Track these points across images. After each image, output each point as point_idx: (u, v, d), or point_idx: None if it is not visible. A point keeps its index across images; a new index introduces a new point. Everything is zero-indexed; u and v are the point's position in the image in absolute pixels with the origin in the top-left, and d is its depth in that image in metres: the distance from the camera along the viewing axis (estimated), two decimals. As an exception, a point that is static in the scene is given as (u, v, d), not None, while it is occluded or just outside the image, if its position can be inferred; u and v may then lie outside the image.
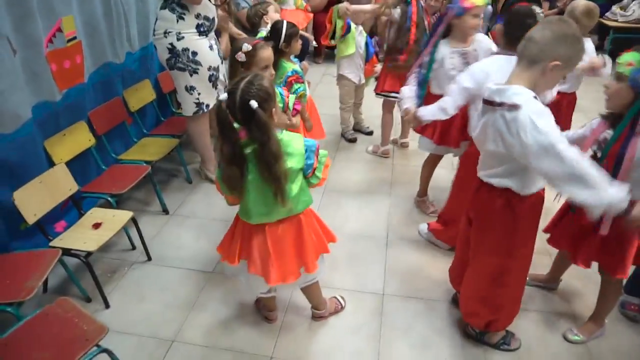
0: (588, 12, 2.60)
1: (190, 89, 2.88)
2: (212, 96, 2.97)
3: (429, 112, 2.15)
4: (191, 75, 2.83)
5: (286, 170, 1.58)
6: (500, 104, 1.48)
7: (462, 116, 2.37)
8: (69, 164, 2.48)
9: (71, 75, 2.56)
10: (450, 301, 2.25)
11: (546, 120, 1.40)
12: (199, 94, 2.90)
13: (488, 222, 1.74)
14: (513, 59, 2.01)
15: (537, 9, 2.22)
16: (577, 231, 1.87)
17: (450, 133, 2.54)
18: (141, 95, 3.28)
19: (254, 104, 1.47)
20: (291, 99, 2.28)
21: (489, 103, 1.55)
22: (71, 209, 2.56)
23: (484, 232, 1.78)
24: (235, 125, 1.57)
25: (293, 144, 1.65)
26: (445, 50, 2.42)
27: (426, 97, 2.58)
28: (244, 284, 1.97)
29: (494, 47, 2.44)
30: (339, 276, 2.42)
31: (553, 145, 1.37)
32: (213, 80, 2.93)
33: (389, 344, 2.05)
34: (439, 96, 2.39)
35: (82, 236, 2.25)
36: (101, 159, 2.84)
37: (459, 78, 2.07)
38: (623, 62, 1.61)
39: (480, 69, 2.01)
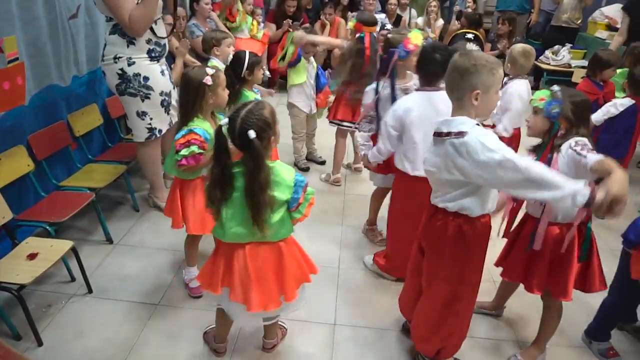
0: (524, 53, 2.83)
1: (142, 115, 2.82)
2: (164, 121, 2.92)
3: (374, 157, 2.42)
4: (143, 101, 2.78)
5: (271, 199, 1.60)
6: (448, 134, 1.59)
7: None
8: (3, 190, 2.33)
9: (11, 97, 2.44)
10: (401, 330, 2.27)
11: (493, 139, 1.52)
12: (151, 119, 2.84)
13: (440, 249, 1.79)
14: (428, 94, 2.17)
15: (473, 46, 2.40)
16: (526, 261, 1.96)
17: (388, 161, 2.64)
18: (87, 119, 3.17)
19: (252, 134, 1.51)
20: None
21: (438, 135, 1.65)
22: (4, 239, 2.39)
23: (437, 259, 1.83)
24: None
25: (283, 174, 1.66)
26: (388, 90, 2.51)
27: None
28: (227, 312, 1.89)
29: None
30: (290, 307, 2.39)
31: (506, 158, 1.46)
32: (165, 105, 2.88)
33: (341, 376, 2.03)
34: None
35: (15, 268, 2.09)
36: (40, 185, 2.69)
37: (385, 119, 2.26)
38: (536, 98, 1.87)
39: (401, 105, 2.22)
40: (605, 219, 1.41)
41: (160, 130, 2.90)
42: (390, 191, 2.65)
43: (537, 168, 1.45)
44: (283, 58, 3.43)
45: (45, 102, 2.77)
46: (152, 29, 2.70)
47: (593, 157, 1.59)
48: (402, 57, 2.38)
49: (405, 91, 2.53)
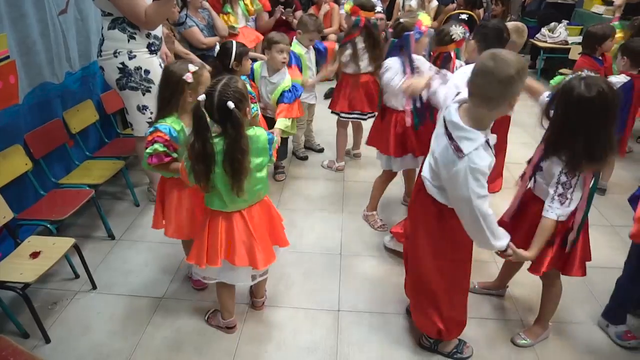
0: (516, 29, 2.81)
1: (142, 109, 2.80)
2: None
3: (440, 94, 2.04)
4: (144, 94, 2.76)
5: (248, 166, 1.71)
6: (451, 138, 1.56)
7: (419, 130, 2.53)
8: (2, 190, 2.33)
9: (4, 96, 2.43)
10: (404, 313, 2.28)
11: (478, 181, 1.53)
12: (151, 113, 2.82)
13: (425, 224, 1.83)
14: None
15: (459, 28, 2.38)
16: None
17: (408, 142, 2.65)
18: (83, 116, 3.15)
19: (231, 104, 1.61)
20: (254, 106, 2.38)
21: (444, 124, 1.62)
22: (6, 238, 2.40)
23: (421, 234, 1.85)
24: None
25: (261, 140, 1.81)
26: (398, 67, 2.52)
27: (381, 110, 2.68)
28: (228, 281, 2.00)
29: (427, 65, 2.61)
30: (294, 294, 2.41)
31: (472, 204, 1.55)
32: None
33: (347, 361, 2.05)
34: (392, 109, 2.60)
35: (18, 267, 2.10)
36: (39, 183, 2.69)
37: (453, 80, 2.09)
38: (553, 85, 1.75)
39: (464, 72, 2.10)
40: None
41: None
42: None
43: (487, 223, 1.59)
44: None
45: (39, 100, 2.75)
46: None
47: (553, 213, 1.70)
48: (417, 38, 2.44)
49: (416, 70, 2.53)
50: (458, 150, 1.53)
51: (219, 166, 1.72)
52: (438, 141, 1.67)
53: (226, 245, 1.88)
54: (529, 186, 1.91)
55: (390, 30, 2.70)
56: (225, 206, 1.84)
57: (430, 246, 1.82)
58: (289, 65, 3.24)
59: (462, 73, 2.10)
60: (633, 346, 2.09)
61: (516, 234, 1.92)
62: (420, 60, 2.55)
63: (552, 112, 1.68)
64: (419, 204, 1.83)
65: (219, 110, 1.64)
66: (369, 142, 2.91)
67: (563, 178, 1.67)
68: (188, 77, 1.95)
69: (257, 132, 1.80)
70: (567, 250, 1.83)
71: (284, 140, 3.35)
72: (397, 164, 2.77)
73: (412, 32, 2.42)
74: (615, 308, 2.15)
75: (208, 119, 1.66)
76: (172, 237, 2.16)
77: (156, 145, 1.94)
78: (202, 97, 1.64)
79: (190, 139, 1.70)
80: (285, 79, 2.97)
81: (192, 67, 1.97)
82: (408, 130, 2.61)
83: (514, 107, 1.53)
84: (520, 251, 1.75)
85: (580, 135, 1.58)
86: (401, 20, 2.54)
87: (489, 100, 1.48)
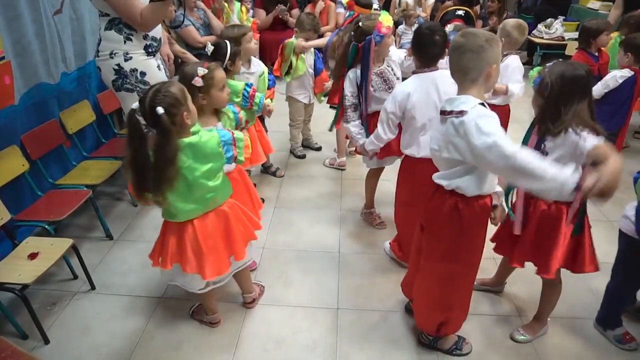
0: (517, 26, 2.80)
1: None
2: None
3: (372, 145, 2.42)
4: (140, 96, 2.74)
5: (173, 177, 1.65)
6: (450, 112, 1.59)
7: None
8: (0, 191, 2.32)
9: (0, 97, 2.42)
10: (404, 310, 2.29)
11: (489, 122, 1.50)
12: None
13: (438, 228, 1.80)
14: (425, 75, 2.15)
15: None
16: (513, 235, 1.97)
17: (391, 146, 2.62)
18: (80, 116, 3.14)
19: (159, 110, 1.57)
20: (258, 96, 2.52)
21: (442, 113, 1.65)
22: (3, 240, 2.39)
23: (434, 238, 1.84)
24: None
25: (209, 145, 1.74)
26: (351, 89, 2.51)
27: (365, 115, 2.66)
28: (181, 285, 2.02)
29: (401, 53, 2.65)
30: (293, 292, 2.41)
31: (496, 143, 1.45)
32: None
33: (346, 359, 2.05)
34: (372, 114, 2.58)
35: (16, 268, 2.09)
36: (36, 184, 2.68)
37: (385, 105, 2.23)
38: (531, 77, 1.84)
39: (401, 91, 2.18)
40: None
41: None
42: (384, 171, 2.68)
43: (524, 157, 1.42)
44: (288, 72, 3.39)
45: (35, 100, 2.74)
46: None
47: (591, 141, 1.58)
48: (378, 42, 2.37)
49: (381, 75, 2.54)
50: (460, 113, 1.54)
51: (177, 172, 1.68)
52: (440, 129, 1.67)
53: (178, 251, 1.86)
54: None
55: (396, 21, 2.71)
56: (175, 216, 1.81)
57: (443, 248, 1.81)
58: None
59: (390, 98, 2.22)
60: (633, 348, 2.08)
61: (522, 240, 1.93)
62: (393, 61, 2.58)
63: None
64: (430, 208, 1.81)
65: (149, 116, 1.58)
66: (356, 151, 2.90)
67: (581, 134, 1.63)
68: (197, 81, 1.93)
69: (204, 138, 1.72)
70: (572, 234, 1.84)
71: None
72: (373, 161, 2.75)
73: (371, 37, 2.35)
74: (609, 314, 2.14)
75: (144, 127, 1.60)
76: None
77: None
78: (135, 105, 1.61)
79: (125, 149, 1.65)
80: (261, 64, 3.02)
81: (200, 71, 1.94)
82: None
83: (495, 80, 1.62)
84: (602, 170, 1.39)
85: (577, 98, 1.69)
86: (360, 24, 2.44)
87: (467, 71, 1.58)
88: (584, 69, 1.72)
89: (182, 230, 1.84)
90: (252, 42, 2.90)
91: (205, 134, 1.75)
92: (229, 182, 1.92)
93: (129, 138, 1.63)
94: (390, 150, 2.60)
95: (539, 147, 1.76)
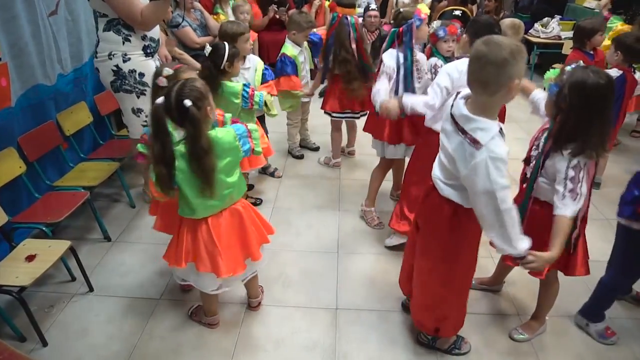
0: (513, 26, 2.80)
1: (137, 111, 2.78)
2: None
3: (415, 103, 2.21)
4: (138, 97, 2.73)
5: (214, 164, 1.69)
6: (464, 132, 1.53)
7: (411, 117, 2.52)
8: (-4, 193, 2.32)
9: (-3, 99, 2.41)
10: (402, 310, 2.29)
11: (499, 171, 1.48)
12: (146, 115, 2.79)
13: (436, 228, 1.80)
14: None
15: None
16: None
17: (403, 131, 2.66)
18: (77, 118, 3.13)
19: (187, 102, 1.59)
20: (257, 95, 2.56)
21: (454, 122, 1.59)
22: (0, 242, 2.38)
23: (431, 237, 1.84)
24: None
25: (226, 140, 1.75)
26: (402, 60, 2.50)
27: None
28: (194, 284, 2.01)
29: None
30: (292, 293, 2.41)
31: (495, 196, 1.48)
32: None
33: (345, 359, 2.05)
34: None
35: (14, 270, 2.09)
36: (34, 186, 2.67)
37: (437, 80, 2.18)
38: (547, 79, 1.78)
39: (456, 69, 2.14)
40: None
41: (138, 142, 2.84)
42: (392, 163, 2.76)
43: (510, 218, 1.53)
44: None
45: (32, 102, 2.73)
46: None
47: (567, 210, 1.65)
48: (417, 26, 2.43)
49: (417, 63, 2.53)
50: (474, 142, 1.49)
51: (183, 171, 1.70)
52: (450, 139, 1.63)
53: (192, 250, 1.87)
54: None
55: (390, 22, 2.72)
56: (194, 212, 1.81)
57: (440, 249, 1.80)
58: (288, 75, 3.24)
59: (444, 73, 2.16)
60: (614, 342, 2.10)
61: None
62: (421, 58, 2.55)
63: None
64: (429, 208, 1.81)
65: (177, 110, 1.60)
66: (365, 128, 2.93)
67: (571, 173, 1.65)
68: (160, 81, 1.92)
69: (219, 134, 1.74)
70: (571, 251, 1.84)
71: None
72: (390, 151, 2.78)
73: (412, 20, 2.42)
74: (595, 306, 2.14)
75: (168, 122, 1.64)
76: (159, 230, 2.21)
77: (138, 146, 1.96)
78: (160, 100, 1.62)
79: (151, 142, 1.69)
80: (257, 59, 3.03)
81: (165, 71, 1.93)
82: (403, 120, 2.62)
83: (515, 94, 1.50)
84: (541, 254, 1.63)
85: (597, 120, 1.62)
86: (401, 9, 2.58)
87: (486, 85, 1.46)
88: (604, 77, 1.62)
89: (196, 228, 1.85)
90: (249, 43, 2.90)
91: (221, 130, 1.78)
92: (244, 179, 1.93)
93: (154, 133, 1.66)
94: (401, 137, 2.67)
95: (546, 158, 1.74)
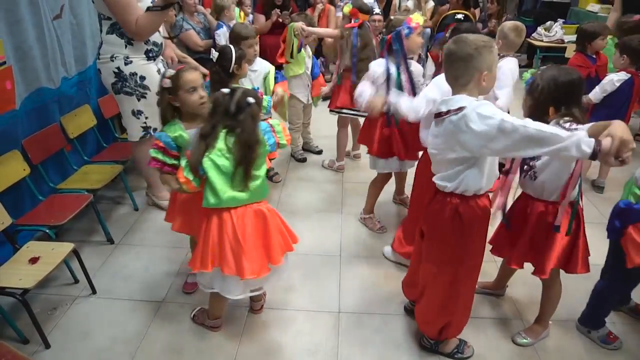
0: (515, 28, 2.79)
1: (137, 113, 2.80)
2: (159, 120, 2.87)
3: (400, 103, 2.17)
4: (139, 100, 2.75)
5: (260, 155, 1.84)
6: (447, 112, 1.60)
7: (400, 132, 2.55)
8: (1, 196, 2.33)
9: (0, 102, 2.42)
10: (405, 314, 2.29)
11: (489, 108, 1.53)
12: (146, 118, 2.82)
13: (439, 232, 1.81)
14: None
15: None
16: (510, 237, 2.00)
17: (392, 144, 2.64)
18: (81, 121, 3.15)
19: (251, 99, 1.79)
20: (265, 99, 2.61)
21: (438, 115, 1.66)
22: (4, 244, 2.39)
23: (436, 242, 1.84)
24: None
25: None
26: (393, 69, 2.48)
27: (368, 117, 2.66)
28: (219, 291, 1.97)
29: (421, 68, 2.61)
30: (294, 296, 2.41)
31: (503, 120, 1.47)
32: None
33: (347, 362, 2.05)
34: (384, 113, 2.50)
35: (17, 272, 2.09)
36: (37, 189, 2.68)
37: (425, 90, 2.17)
38: (524, 78, 1.90)
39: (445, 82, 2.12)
40: (615, 166, 1.40)
41: (155, 129, 2.88)
42: (392, 177, 2.70)
43: (535, 124, 1.46)
44: (291, 54, 3.41)
45: (36, 105, 2.75)
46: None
47: (586, 125, 1.60)
48: (407, 34, 2.41)
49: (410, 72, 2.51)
50: (458, 110, 1.57)
51: (217, 154, 1.79)
52: (438, 129, 1.67)
53: (219, 252, 1.85)
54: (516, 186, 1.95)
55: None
56: (220, 201, 1.81)
57: (445, 253, 1.81)
58: (283, 80, 3.26)
59: (435, 84, 2.14)
60: (618, 347, 2.09)
61: (520, 241, 1.94)
62: (416, 69, 2.54)
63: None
64: (432, 212, 1.81)
65: (238, 103, 1.77)
66: (359, 140, 2.93)
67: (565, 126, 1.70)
68: (164, 82, 1.95)
69: None
70: (566, 233, 1.85)
71: None
72: (380, 164, 2.76)
73: (401, 28, 2.40)
74: (594, 314, 2.13)
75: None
76: (179, 231, 2.20)
77: (151, 151, 1.97)
78: (226, 90, 1.81)
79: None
80: (266, 63, 3.05)
81: (168, 73, 1.95)
82: (394, 134, 2.60)
83: (489, 85, 1.63)
84: (607, 138, 1.36)
85: (568, 98, 1.77)
86: (392, 17, 2.56)
87: (457, 78, 1.62)
88: (576, 74, 1.77)
89: (221, 221, 1.85)
90: (252, 49, 2.89)
91: None
92: (266, 182, 1.97)
93: (211, 113, 1.83)
94: (391, 150, 2.65)
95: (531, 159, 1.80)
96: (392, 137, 2.62)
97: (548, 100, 1.77)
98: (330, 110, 3.49)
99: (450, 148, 1.64)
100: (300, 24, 3.33)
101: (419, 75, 2.54)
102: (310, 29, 3.40)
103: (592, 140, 1.36)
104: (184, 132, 1.96)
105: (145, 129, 2.86)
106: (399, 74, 2.46)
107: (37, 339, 2.09)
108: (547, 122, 1.68)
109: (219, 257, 1.86)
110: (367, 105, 2.34)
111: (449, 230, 1.76)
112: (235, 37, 2.82)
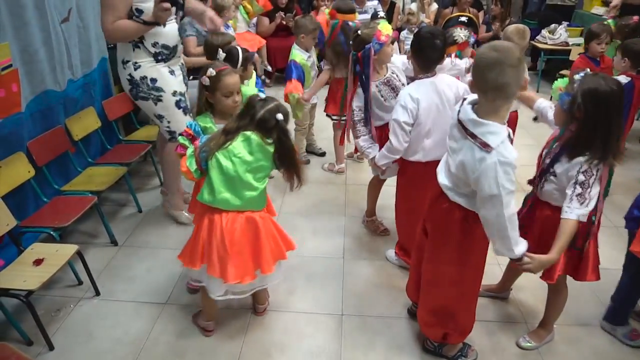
0: (518, 31, 2.79)
1: (159, 117, 2.73)
2: (183, 123, 2.58)
3: (385, 159, 2.35)
4: (156, 104, 2.68)
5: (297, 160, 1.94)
6: (473, 136, 1.55)
7: None
8: (5, 197, 2.34)
9: (6, 105, 2.44)
10: (408, 316, 2.28)
11: (507, 175, 1.51)
12: (168, 122, 2.73)
13: (445, 232, 1.79)
14: (430, 80, 2.15)
15: (462, 32, 2.41)
16: None
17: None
18: (85, 123, 3.16)
19: (279, 116, 1.82)
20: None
21: (462, 127, 1.60)
22: (9, 246, 2.40)
23: (441, 242, 1.83)
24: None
25: (255, 137, 1.86)
26: (372, 87, 2.47)
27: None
28: (205, 286, 2.01)
29: (404, 58, 2.61)
30: (297, 299, 2.41)
31: (501, 201, 1.52)
32: (183, 106, 2.74)
33: (351, 365, 2.04)
34: (382, 127, 2.53)
35: (21, 274, 2.10)
36: (42, 191, 2.69)
37: (395, 116, 2.19)
38: (555, 88, 1.80)
39: (410, 98, 2.15)
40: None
41: (180, 134, 2.76)
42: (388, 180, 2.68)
43: (511, 227, 1.58)
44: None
45: (42, 107, 2.76)
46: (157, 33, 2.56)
47: (573, 213, 1.66)
48: (377, 50, 2.36)
49: (388, 83, 2.53)
50: (485, 145, 1.51)
51: (224, 155, 1.82)
52: (458, 144, 1.64)
53: (207, 250, 1.90)
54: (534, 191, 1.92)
55: (397, 29, 2.71)
56: (214, 198, 1.85)
57: (450, 253, 1.80)
58: (289, 79, 3.25)
59: (399, 108, 2.18)
60: None
61: (528, 239, 1.92)
62: (395, 61, 2.56)
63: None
64: (438, 213, 1.80)
65: (269, 112, 1.82)
66: (355, 150, 2.94)
67: (581, 178, 1.66)
68: (204, 80, 2.02)
69: (251, 135, 1.85)
70: (582, 254, 1.84)
71: None
72: (391, 170, 2.68)
73: (370, 45, 2.34)
74: (618, 309, 2.14)
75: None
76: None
77: (179, 138, 2.02)
78: (263, 95, 1.89)
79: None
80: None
81: (209, 72, 2.01)
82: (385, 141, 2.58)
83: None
84: (539, 256, 1.67)
85: (613, 126, 1.64)
86: (359, 32, 2.43)
87: (505, 87, 1.48)
88: (615, 83, 1.64)
89: (211, 227, 1.88)
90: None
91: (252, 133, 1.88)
92: (266, 196, 2.00)
93: (241, 114, 1.88)
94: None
95: (553, 165, 1.75)
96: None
97: (595, 121, 1.63)
98: (327, 114, 3.51)
99: (458, 164, 1.63)
100: (299, 96, 3.32)
101: (401, 74, 2.57)
102: (308, 95, 3.39)
103: (518, 256, 1.65)
104: (214, 125, 2.05)
105: (170, 133, 2.78)
106: (366, 90, 2.44)
107: (41, 341, 2.10)
108: (594, 153, 1.64)
109: (207, 255, 1.90)
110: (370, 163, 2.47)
111: (456, 230, 1.75)
112: (218, 46, 2.67)
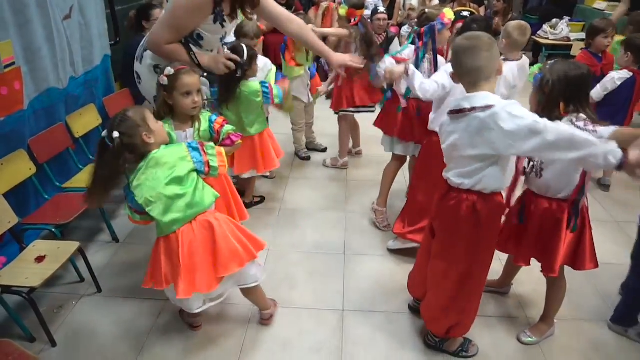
0: (519, 27, 2.77)
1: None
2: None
3: (416, 80, 2.18)
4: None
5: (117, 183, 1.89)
6: (472, 109, 1.59)
7: (423, 116, 2.54)
8: (7, 195, 2.34)
9: (9, 103, 2.44)
10: (409, 312, 2.28)
11: (519, 108, 1.53)
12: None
13: (453, 229, 1.79)
14: None
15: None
16: (516, 234, 1.99)
17: (414, 129, 2.69)
18: (86, 120, 3.16)
19: (115, 134, 1.69)
20: (275, 87, 2.63)
21: (456, 112, 1.64)
22: (11, 243, 2.41)
23: (450, 239, 1.83)
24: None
25: (168, 155, 1.78)
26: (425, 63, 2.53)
27: (392, 94, 2.67)
28: (180, 305, 2.01)
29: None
30: (298, 294, 2.41)
31: (535, 121, 1.48)
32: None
33: (352, 360, 2.04)
34: (416, 101, 2.57)
35: (23, 271, 2.11)
36: (43, 188, 2.70)
37: (437, 75, 2.22)
38: (531, 73, 1.91)
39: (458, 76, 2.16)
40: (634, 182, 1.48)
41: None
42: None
43: (567, 128, 1.50)
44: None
45: (43, 105, 2.76)
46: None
47: (606, 129, 1.61)
48: (440, 29, 2.46)
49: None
50: (487, 107, 1.55)
51: (142, 189, 1.80)
52: (457, 126, 1.66)
53: (170, 270, 1.84)
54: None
55: (397, 24, 2.74)
56: (162, 231, 1.82)
57: (459, 250, 1.80)
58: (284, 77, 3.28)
59: (443, 72, 2.18)
60: None
61: (526, 239, 1.93)
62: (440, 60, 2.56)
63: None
64: (445, 210, 1.80)
65: (109, 138, 1.73)
66: (376, 123, 2.96)
67: (579, 124, 1.68)
68: (162, 79, 1.94)
69: (160, 152, 1.77)
70: (571, 230, 1.85)
71: None
72: (399, 147, 2.82)
73: (435, 23, 2.44)
74: (628, 311, 2.12)
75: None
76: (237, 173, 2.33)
77: (226, 127, 2.04)
78: (104, 133, 1.75)
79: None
80: (268, 62, 3.07)
81: (167, 71, 1.93)
82: (414, 118, 2.66)
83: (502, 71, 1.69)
84: (635, 152, 1.41)
85: (579, 93, 1.76)
86: (426, 10, 2.60)
87: (481, 69, 1.60)
88: (586, 68, 1.77)
89: (169, 247, 1.82)
90: (254, 41, 2.96)
91: (165, 147, 1.81)
92: (207, 189, 1.87)
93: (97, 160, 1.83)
94: (413, 134, 2.71)
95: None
96: (413, 122, 2.68)
97: (559, 95, 1.74)
98: (335, 112, 3.52)
99: (471, 145, 1.62)
100: (311, 26, 3.33)
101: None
102: (319, 29, 3.40)
103: (620, 152, 1.39)
104: (172, 131, 1.97)
105: None
106: (420, 63, 2.50)
107: (44, 338, 2.11)
108: (559, 119, 1.68)
109: (170, 276, 1.83)
110: (386, 73, 2.33)
111: (465, 227, 1.75)
112: (252, 33, 2.88)
